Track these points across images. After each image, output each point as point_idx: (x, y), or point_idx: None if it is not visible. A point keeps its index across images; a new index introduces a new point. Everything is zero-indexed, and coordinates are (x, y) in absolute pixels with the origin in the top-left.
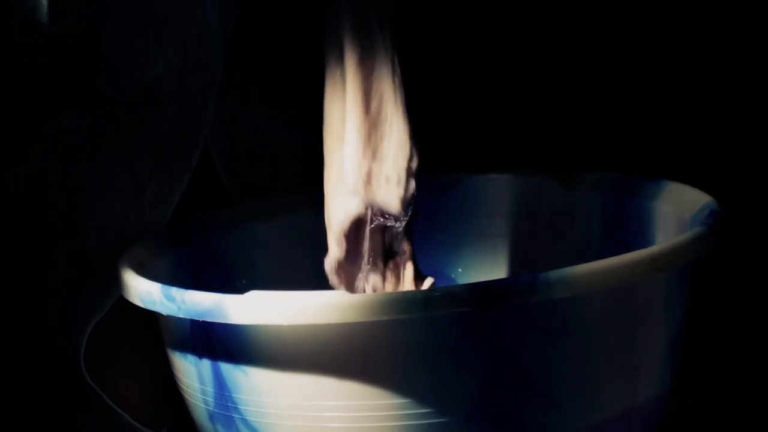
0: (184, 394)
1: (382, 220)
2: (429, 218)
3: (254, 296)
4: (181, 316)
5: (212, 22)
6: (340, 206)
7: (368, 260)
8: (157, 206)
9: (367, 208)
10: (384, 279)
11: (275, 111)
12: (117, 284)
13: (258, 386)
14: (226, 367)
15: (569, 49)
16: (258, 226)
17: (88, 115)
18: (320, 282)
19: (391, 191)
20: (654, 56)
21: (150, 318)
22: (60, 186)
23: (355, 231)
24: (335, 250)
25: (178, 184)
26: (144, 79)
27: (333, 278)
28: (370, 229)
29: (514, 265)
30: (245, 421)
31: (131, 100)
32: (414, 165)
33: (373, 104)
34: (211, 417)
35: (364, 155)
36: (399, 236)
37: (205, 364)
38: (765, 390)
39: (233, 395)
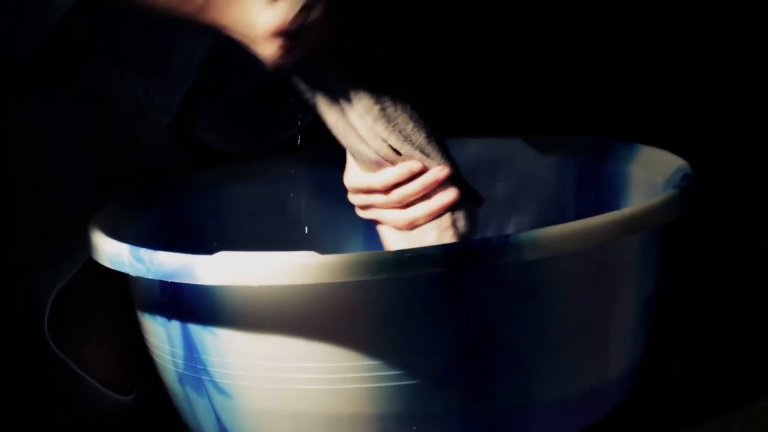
0: (153, 356)
1: None
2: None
3: (223, 257)
4: (150, 277)
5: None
6: None
7: None
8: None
9: None
10: None
11: None
12: (81, 246)
13: (227, 348)
14: (195, 329)
15: (542, 13)
16: (229, 188)
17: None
18: (290, 244)
19: None
20: (629, 22)
21: (119, 281)
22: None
23: None
24: None
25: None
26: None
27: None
28: None
29: (487, 227)
30: (214, 383)
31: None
32: None
33: None
34: (181, 379)
35: None
36: None
37: (174, 325)
38: (738, 350)
39: (202, 357)
